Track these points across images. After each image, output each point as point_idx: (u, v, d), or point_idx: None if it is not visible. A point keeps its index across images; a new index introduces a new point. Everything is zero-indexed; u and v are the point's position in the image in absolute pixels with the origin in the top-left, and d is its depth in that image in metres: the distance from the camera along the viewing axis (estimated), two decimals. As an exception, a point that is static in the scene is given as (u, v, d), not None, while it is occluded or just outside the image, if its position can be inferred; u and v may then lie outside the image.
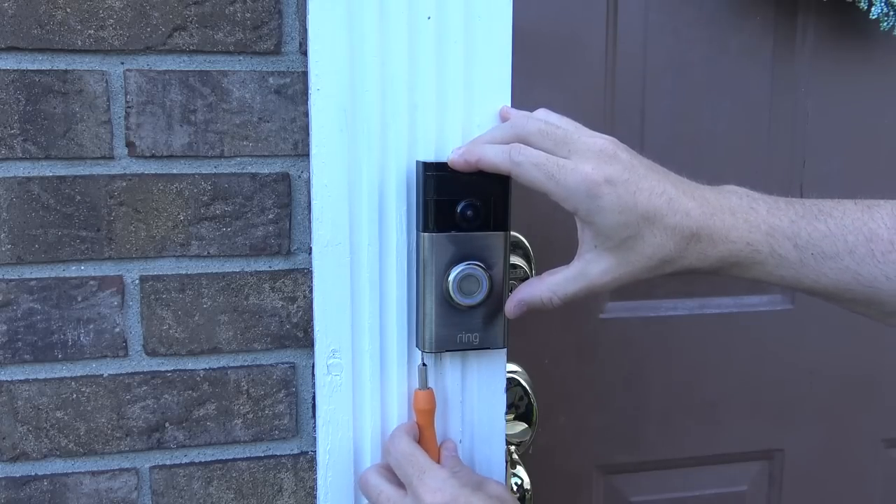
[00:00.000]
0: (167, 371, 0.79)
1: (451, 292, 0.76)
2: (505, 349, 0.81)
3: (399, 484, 0.75)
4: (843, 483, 1.18)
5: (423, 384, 0.79)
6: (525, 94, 0.96)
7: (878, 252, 0.65)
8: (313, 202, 0.77)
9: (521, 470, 0.97)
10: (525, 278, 0.97)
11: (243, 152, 0.78)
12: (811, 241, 0.66)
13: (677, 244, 0.67)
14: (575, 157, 0.67)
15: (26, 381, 0.77)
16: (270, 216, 0.79)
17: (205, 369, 0.80)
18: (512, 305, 0.75)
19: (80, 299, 0.77)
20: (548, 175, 0.67)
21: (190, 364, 0.80)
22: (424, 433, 0.78)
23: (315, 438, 0.82)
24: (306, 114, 0.78)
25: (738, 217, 0.67)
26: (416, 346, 0.80)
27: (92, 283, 0.77)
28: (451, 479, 0.70)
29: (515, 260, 0.96)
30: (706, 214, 0.67)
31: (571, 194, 0.67)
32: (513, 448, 0.99)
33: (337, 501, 0.81)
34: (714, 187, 0.70)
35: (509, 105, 0.79)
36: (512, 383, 0.98)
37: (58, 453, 0.78)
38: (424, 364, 0.79)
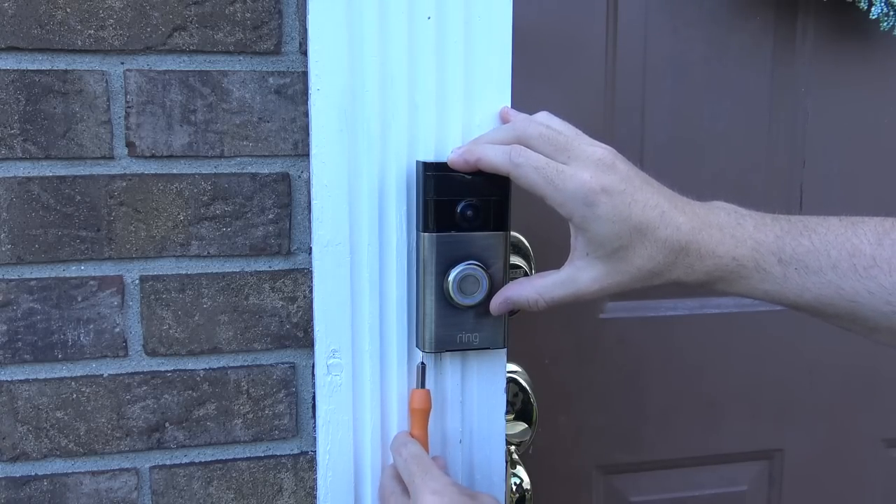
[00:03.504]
0: (167, 371, 0.79)
1: (451, 292, 0.76)
2: (505, 349, 0.82)
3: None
4: (843, 483, 1.18)
5: (421, 383, 0.79)
6: (525, 94, 0.96)
7: (860, 267, 0.66)
8: (313, 202, 0.78)
9: (521, 470, 0.97)
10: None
11: (243, 152, 0.78)
12: (795, 255, 0.67)
13: (666, 257, 0.68)
14: (574, 164, 0.68)
15: (26, 381, 0.77)
16: (270, 216, 0.79)
17: (205, 369, 0.80)
18: (497, 302, 0.76)
19: (80, 299, 0.77)
20: (546, 179, 0.68)
21: (190, 364, 0.80)
22: (416, 433, 0.78)
23: (315, 438, 0.82)
24: (306, 114, 0.78)
25: (726, 232, 0.68)
26: (416, 346, 0.80)
27: (92, 283, 0.77)
28: (452, 485, 0.71)
29: (515, 260, 0.96)
30: (695, 229, 0.68)
31: (568, 200, 0.68)
32: (513, 448, 0.99)
33: (337, 501, 0.82)
34: (703, 203, 0.71)
35: (509, 105, 0.79)
36: (511, 383, 0.98)
37: (58, 453, 0.78)
38: (423, 363, 0.79)
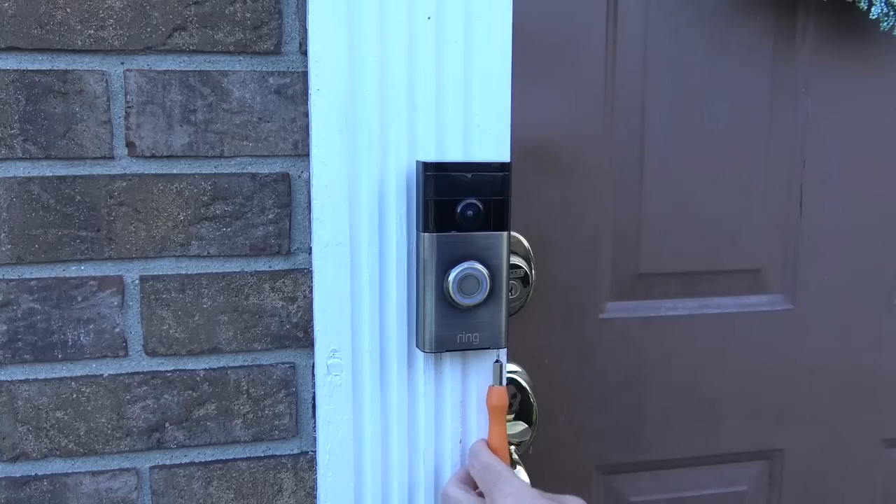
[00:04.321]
0: (167, 371, 0.79)
1: (452, 292, 0.76)
2: (505, 349, 0.82)
3: (479, 493, 0.78)
4: (843, 483, 1.18)
5: (499, 381, 0.79)
6: (525, 94, 0.96)
7: None
8: (313, 202, 0.77)
9: (521, 470, 0.97)
10: (525, 278, 0.97)
11: (243, 152, 0.78)
12: None
13: None
14: None
15: (26, 381, 0.77)
16: (270, 216, 0.79)
17: (205, 369, 0.80)
18: None
19: (80, 299, 0.77)
20: None
21: (190, 364, 0.80)
22: (495, 429, 0.78)
23: (315, 438, 0.82)
24: (306, 114, 0.78)
25: None
26: (416, 345, 0.80)
27: (92, 283, 0.77)
28: (525, 486, 0.73)
29: (515, 260, 0.96)
30: None
31: None
32: (513, 448, 0.99)
33: (337, 501, 0.81)
34: None
35: (509, 105, 0.79)
36: (511, 383, 0.98)
37: (58, 453, 0.78)
38: (498, 361, 0.79)
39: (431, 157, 0.78)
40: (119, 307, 0.78)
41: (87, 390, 0.78)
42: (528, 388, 0.99)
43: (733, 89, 1.05)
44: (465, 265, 0.77)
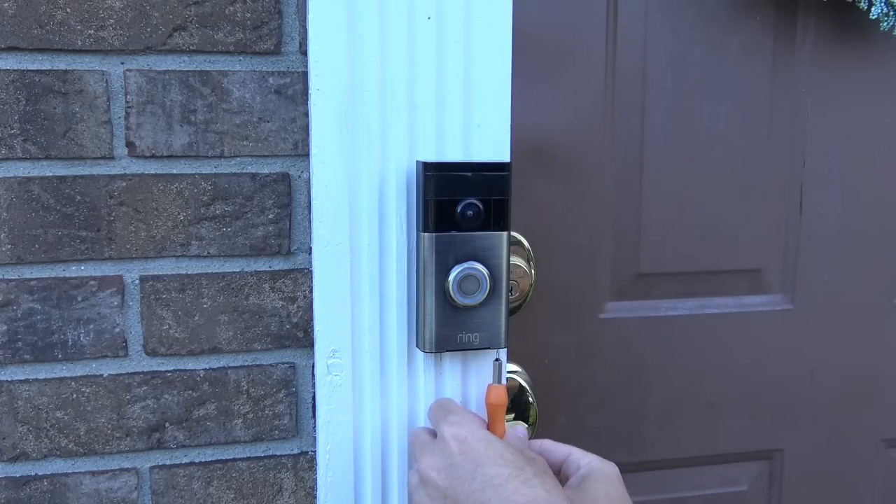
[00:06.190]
0: (167, 371, 0.79)
1: (452, 292, 0.76)
2: (505, 349, 0.82)
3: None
4: (843, 483, 1.17)
5: (497, 379, 0.79)
6: (525, 94, 0.96)
7: None
8: (313, 202, 0.78)
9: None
10: (524, 278, 0.97)
11: (243, 152, 0.78)
12: None
13: None
14: None
15: (26, 381, 0.77)
16: (270, 216, 0.79)
17: (205, 369, 0.80)
18: None
19: (80, 299, 0.77)
20: None
21: (190, 364, 0.80)
22: (494, 428, 0.78)
23: (315, 438, 0.82)
24: (306, 114, 0.78)
25: None
26: (416, 345, 0.80)
27: (92, 283, 0.77)
28: (476, 419, 0.75)
29: (515, 260, 0.96)
30: None
31: None
32: (513, 448, 0.98)
33: (337, 501, 0.81)
34: None
35: (509, 105, 0.79)
36: (511, 383, 0.98)
37: (58, 453, 0.78)
38: (498, 360, 0.79)
39: (431, 157, 0.78)
40: (119, 307, 0.78)
41: (87, 390, 0.78)
42: (528, 387, 0.99)
43: (733, 89, 1.05)
44: (465, 265, 0.77)
